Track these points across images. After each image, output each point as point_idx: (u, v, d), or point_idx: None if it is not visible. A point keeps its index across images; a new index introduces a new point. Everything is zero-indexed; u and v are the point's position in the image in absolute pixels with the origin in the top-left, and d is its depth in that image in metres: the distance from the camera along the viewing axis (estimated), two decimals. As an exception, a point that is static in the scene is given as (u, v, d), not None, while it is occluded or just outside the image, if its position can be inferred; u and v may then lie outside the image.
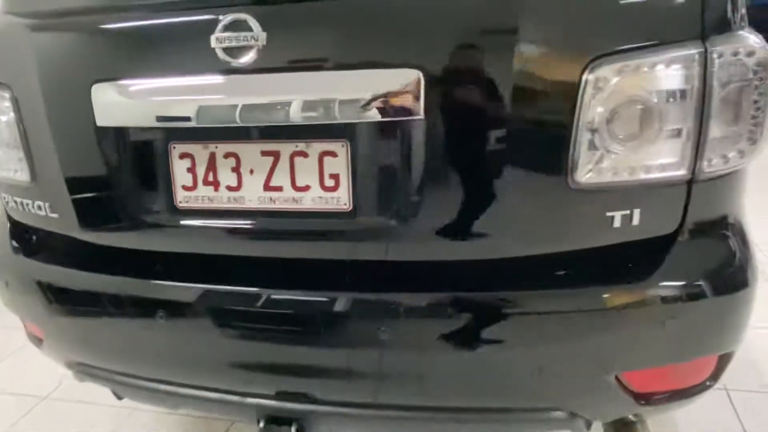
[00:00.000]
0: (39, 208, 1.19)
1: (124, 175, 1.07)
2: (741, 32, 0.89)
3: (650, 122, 0.87)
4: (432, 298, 0.96)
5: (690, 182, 0.92)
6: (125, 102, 1.01)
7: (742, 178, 1.01)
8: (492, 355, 0.97)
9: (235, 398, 1.11)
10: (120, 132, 1.04)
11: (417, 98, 0.88)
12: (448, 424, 1.06)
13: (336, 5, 0.92)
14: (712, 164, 0.91)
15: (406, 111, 0.88)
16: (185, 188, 1.04)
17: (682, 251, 0.95)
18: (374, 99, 0.88)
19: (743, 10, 0.94)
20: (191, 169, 1.02)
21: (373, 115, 0.89)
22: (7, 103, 1.13)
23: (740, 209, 1.05)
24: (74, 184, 1.11)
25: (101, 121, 1.03)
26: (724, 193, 0.98)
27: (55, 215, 1.17)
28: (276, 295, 1.02)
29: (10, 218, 1.30)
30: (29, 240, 1.28)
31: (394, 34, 0.89)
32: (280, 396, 1.08)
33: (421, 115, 0.88)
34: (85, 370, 1.26)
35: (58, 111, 1.07)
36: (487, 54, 0.88)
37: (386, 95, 0.88)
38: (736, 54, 0.87)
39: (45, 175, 1.14)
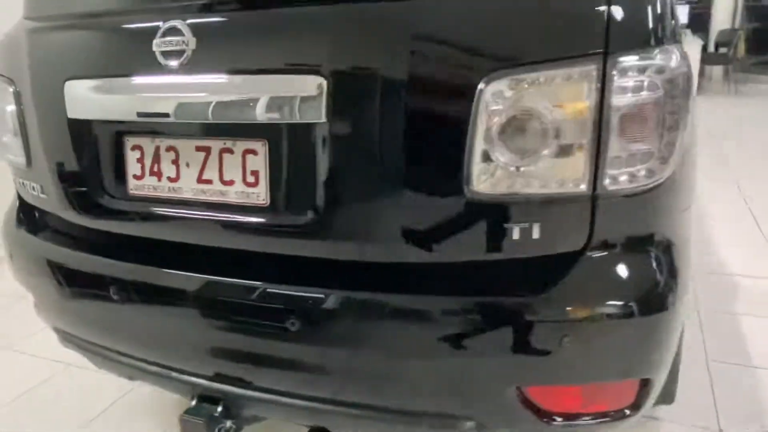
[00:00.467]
0: (34, 189, 1.35)
1: (90, 163, 1.20)
2: (651, 48, 0.87)
3: (546, 137, 0.87)
4: (332, 295, 1.00)
5: (594, 199, 0.91)
6: (88, 97, 1.13)
7: (671, 197, 0.98)
8: (386, 355, 0.99)
9: (174, 374, 1.20)
10: (86, 124, 1.16)
11: (320, 103, 0.93)
12: (361, 420, 1.09)
13: (255, 16, 0.99)
14: (617, 182, 0.89)
15: (311, 114, 0.94)
16: (135, 177, 1.15)
17: (587, 269, 0.93)
18: (283, 102, 0.95)
19: (667, 25, 0.92)
20: (140, 160, 1.13)
21: (282, 116, 0.96)
22: (11, 96, 1.29)
23: (673, 229, 1.01)
24: (54, 169, 1.25)
25: (71, 113, 1.16)
26: (644, 211, 0.95)
27: (44, 196, 1.32)
28: (205, 282, 1.10)
29: (19, 197, 1.48)
30: (32, 217, 1.44)
31: (302, 44, 0.95)
32: (210, 377, 1.15)
33: (324, 119, 0.94)
34: (63, 336, 1.41)
35: (42, 104, 1.22)
36: (387, 64, 0.91)
37: (293, 99, 0.94)
38: (642, 71, 0.86)
39: (36, 161, 1.29)
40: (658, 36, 0.89)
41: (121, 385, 1.90)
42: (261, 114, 0.97)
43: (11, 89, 1.29)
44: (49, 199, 1.31)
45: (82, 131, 1.18)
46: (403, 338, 0.98)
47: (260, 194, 1.03)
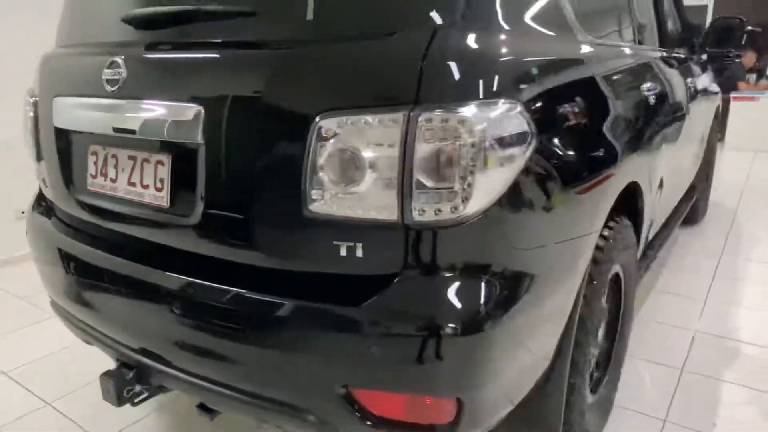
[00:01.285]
0: (42, 180, 1.69)
1: (66, 162, 1.50)
2: (457, 103, 0.99)
3: (363, 169, 1.02)
4: (204, 286, 1.20)
5: (405, 227, 1.03)
6: (64, 111, 1.44)
7: (496, 232, 1.07)
8: (239, 341, 1.17)
9: (107, 341, 1.45)
10: (64, 132, 1.47)
11: (196, 128, 1.15)
12: (228, 400, 1.26)
13: (161, 58, 1.26)
14: (424, 215, 1.02)
15: (191, 135, 1.16)
16: (92, 176, 1.43)
17: (402, 288, 1.05)
18: (171, 125, 1.17)
19: (482, 84, 1.03)
20: (95, 163, 1.41)
21: (175, 136, 1.18)
22: (31, 106, 1.64)
23: (509, 261, 1.10)
24: (48, 165, 1.57)
25: (55, 123, 1.47)
26: (460, 242, 1.05)
27: (44, 186, 1.65)
28: (125, 265, 1.35)
29: (40, 187, 1.83)
30: (41, 202, 1.78)
31: (185, 81, 1.19)
32: (125, 345, 1.39)
33: (201, 141, 1.15)
34: (52, 305, 1.72)
35: (43, 113, 1.55)
36: (245, 101, 1.12)
37: (178, 122, 1.17)
38: (445, 120, 0.99)
39: (42, 158, 1.63)
40: (466, 93, 1.01)
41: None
42: (162, 133, 1.20)
43: (32, 100, 1.64)
44: (47, 188, 1.64)
45: (61, 137, 1.49)
46: (250, 329, 1.15)
47: (164, 198, 1.26)
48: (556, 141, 1.19)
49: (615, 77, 1.56)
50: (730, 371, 2.22)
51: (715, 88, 3.60)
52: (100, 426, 1.96)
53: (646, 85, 1.85)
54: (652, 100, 1.89)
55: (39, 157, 1.66)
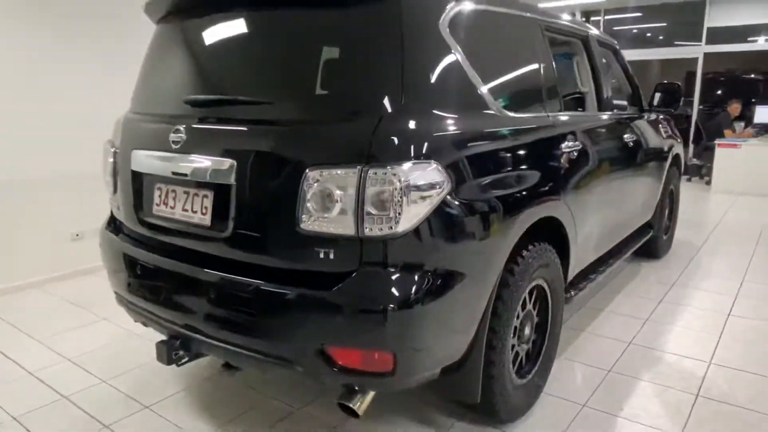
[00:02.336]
0: (115, 206, 2.34)
1: (138, 194, 2.15)
2: (393, 163, 1.60)
3: (333, 203, 1.63)
4: (232, 279, 1.81)
5: (360, 240, 1.64)
6: (140, 159, 2.09)
7: (420, 244, 1.66)
8: (253, 315, 1.77)
9: (159, 321, 2.06)
10: (138, 174, 2.12)
11: (230, 174, 1.78)
12: (244, 357, 1.86)
13: (207, 128, 1.91)
14: (372, 231, 1.62)
15: (226, 178, 1.80)
16: (156, 204, 2.07)
17: (358, 279, 1.65)
18: (213, 171, 1.81)
19: (411, 151, 1.64)
20: (160, 196, 2.05)
21: (214, 178, 1.82)
22: (111, 154, 2.31)
23: (432, 262, 1.69)
24: (123, 196, 2.22)
25: (133, 167, 2.13)
26: (394, 250, 1.64)
27: (118, 210, 2.30)
28: (179, 266, 1.97)
29: (111, 211, 2.49)
30: (113, 222, 2.43)
31: (221, 144, 1.83)
32: (173, 322, 2.00)
33: (233, 182, 1.79)
34: (116, 296, 2.34)
35: (123, 160, 2.21)
36: (262, 158, 1.76)
37: (218, 170, 1.81)
38: (385, 173, 1.60)
39: (118, 190, 2.28)
40: (398, 156, 1.62)
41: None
42: (209, 176, 1.84)
43: (112, 150, 2.31)
44: (120, 213, 2.29)
45: (136, 177, 2.14)
46: (263, 305, 1.76)
47: (207, 219, 1.89)
48: (465, 186, 1.79)
49: (523, 141, 2.16)
50: (649, 373, 2.74)
51: (667, 141, 4.17)
52: (144, 397, 2.55)
53: (565, 144, 2.46)
54: (572, 156, 2.49)
55: (115, 190, 2.31)
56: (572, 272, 2.74)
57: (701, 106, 9.65)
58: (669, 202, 4.61)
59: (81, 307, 3.68)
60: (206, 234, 1.90)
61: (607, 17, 10.15)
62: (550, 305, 2.47)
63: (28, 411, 2.46)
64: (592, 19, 10.32)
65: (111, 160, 2.31)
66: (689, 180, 8.90)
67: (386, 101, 1.68)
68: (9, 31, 3.76)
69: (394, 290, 1.64)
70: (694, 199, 7.40)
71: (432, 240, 1.70)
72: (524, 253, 2.15)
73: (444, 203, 1.71)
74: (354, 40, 1.77)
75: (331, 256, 1.68)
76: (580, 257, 2.78)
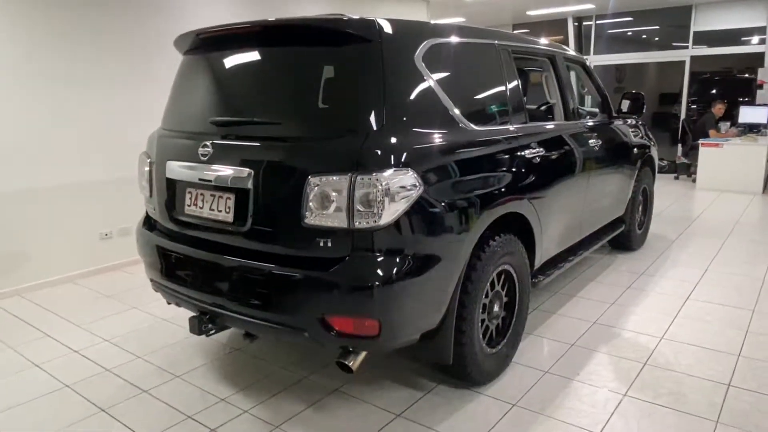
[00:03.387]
0: (151, 207, 2.82)
1: (171, 197, 2.62)
2: (377, 171, 2.06)
3: (330, 202, 2.09)
4: (251, 265, 2.27)
5: (351, 231, 2.10)
6: (173, 169, 2.56)
7: (401, 233, 2.12)
8: (270, 292, 2.23)
9: (191, 300, 2.53)
10: (172, 181, 2.59)
11: (248, 180, 2.25)
12: (261, 327, 2.32)
13: (229, 144, 2.37)
14: (361, 224, 2.08)
15: (245, 184, 2.26)
16: (187, 206, 2.54)
17: (350, 262, 2.11)
18: (235, 178, 2.28)
19: (393, 158, 2.10)
20: (190, 198, 2.52)
21: (235, 184, 2.28)
22: (147, 166, 2.78)
23: (412, 248, 2.14)
24: (159, 199, 2.69)
25: (167, 175, 2.60)
26: (379, 238, 2.10)
27: (154, 211, 2.78)
28: (206, 256, 2.43)
29: (146, 212, 2.96)
30: (148, 221, 2.90)
31: (240, 157, 2.30)
32: (202, 300, 2.47)
33: (250, 186, 2.25)
34: (152, 283, 2.81)
35: (158, 169, 2.68)
36: (274, 167, 2.22)
37: (238, 177, 2.27)
38: (370, 179, 2.06)
39: (153, 194, 2.76)
40: (381, 165, 2.07)
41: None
42: (230, 182, 2.30)
43: (148, 160, 2.78)
44: (156, 212, 2.76)
45: (170, 184, 2.61)
46: (276, 284, 2.22)
47: (230, 217, 2.35)
48: (436, 187, 2.25)
49: (487, 150, 2.62)
50: (606, 346, 3.19)
51: (638, 144, 4.61)
52: (175, 368, 3.02)
53: (528, 151, 2.91)
54: (534, 161, 2.94)
55: (151, 194, 2.78)
56: (539, 260, 3.18)
57: (694, 106, 10.04)
58: (643, 199, 5.03)
59: (112, 298, 4.16)
60: (229, 229, 2.36)
61: (598, 22, 10.56)
62: (516, 287, 2.92)
63: (78, 380, 2.93)
64: (585, 23, 10.74)
65: (147, 169, 2.78)
66: (677, 178, 9.29)
67: (371, 121, 2.14)
68: (50, 52, 4.26)
69: (378, 270, 2.10)
70: (678, 197, 7.80)
71: (409, 230, 2.16)
72: (491, 242, 2.60)
73: (418, 202, 2.16)
74: (345, 71, 2.23)
75: (329, 244, 2.13)
76: (546, 248, 3.23)
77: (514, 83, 2.98)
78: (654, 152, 5.05)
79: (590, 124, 3.91)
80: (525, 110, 3.06)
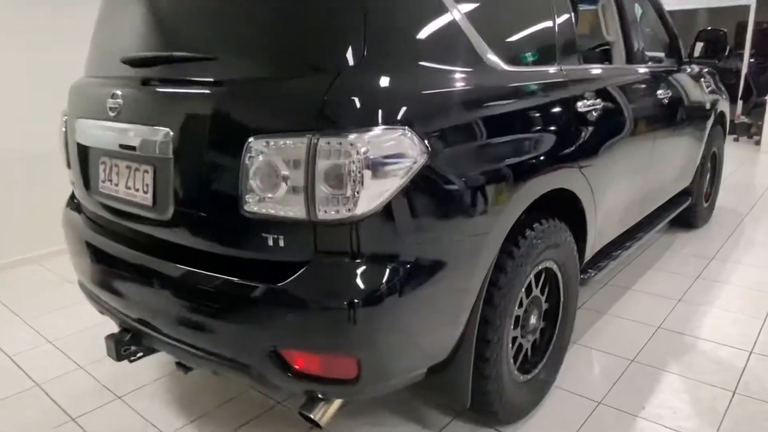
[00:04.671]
0: (72, 183, 2.11)
1: (85, 168, 1.90)
2: (347, 131, 1.30)
3: (279, 179, 1.35)
4: (176, 269, 1.56)
5: (314, 225, 1.36)
6: (83, 129, 1.84)
7: (385, 229, 1.37)
8: (197, 307, 1.52)
9: (112, 311, 1.84)
10: (83, 146, 1.87)
11: (168, 146, 1.51)
12: (195, 358, 1.62)
13: (142, 91, 1.63)
14: (327, 214, 1.33)
15: (164, 151, 1.52)
16: (102, 181, 1.82)
17: (312, 272, 1.38)
18: (150, 142, 1.54)
19: (378, 111, 1.34)
20: (105, 171, 1.80)
21: (151, 151, 1.55)
22: (63, 124, 2.06)
23: (404, 250, 1.40)
24: (74, 172, 1.98)
25: (78, 138, 1.88)
26: (358, 235, 1.36)
27: (73, 186, 2.07)
28: (125, 250, 1.73)
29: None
30: (73, 198, 2.21)
31: (157, 111, 1.55)
32: (123, 313, 1.78)
33: (170, 155, 1.51)
34: (79, 284, 2.13)
35: (70, 131, 1.96)
36: (201, 126, 1.47)
37: (154, 141, 1.53)
38: (340, 143, 1.30)
39: (70, 164, 2.05)
40: (358, 122, 1.32)
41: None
42: (143, 148, 1.57)
43: (64, 119, 2.06)
44: (76, 189, 2.06)
45: (82, 150, 1.89)
46: (206, 299, 1.50)
47: (149, 199, 1.63)
48: (447, 156, 1.48)
49: (525, 100, 1.82)
50: (677, 364, 2.41)
51: (710, 97, 3.70)
52: (119, 385, 2.37)
53: (582, 103, 2.09)
54: (590, 116, 2.13)
55: (68, 165, 2.08)
56: (591, 250, 2.40)
57: (752, 60, 8.87)
58: (711, 165, 4.15)
59: (73, 284, 3.52)
60: (149, 215, 1.65)
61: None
62: (561, 289, 2.15)
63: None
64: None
65: (64, 130, 2.07)
66: (736, 140, 8.25)
67: (345, 53, 1.37)
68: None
69: (356, 283, 1.36)
70: (741, 161, 6.82)
71: (402, 223, 1.41)
72: (528, 232, 1.83)
73: (418, 179, 1.40)
74: None
75: (281, 243, 1.40)
76: (601, 233, 2.44)
77: (566, 9, 2.14)
78: (726, 107, 4.13)
79: (658, 70, 3.04)
80: (578, 48, 2.23)
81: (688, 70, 3.48)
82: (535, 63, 1.99)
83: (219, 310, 1.50)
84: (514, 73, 1.82)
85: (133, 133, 1.62)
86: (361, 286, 1.36)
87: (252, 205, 1.40)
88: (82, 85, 1.97)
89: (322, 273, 1.38)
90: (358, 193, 1.31)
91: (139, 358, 1.84)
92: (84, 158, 1.90)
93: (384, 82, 1.39)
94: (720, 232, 4.12)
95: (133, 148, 1.62)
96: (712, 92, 3.81)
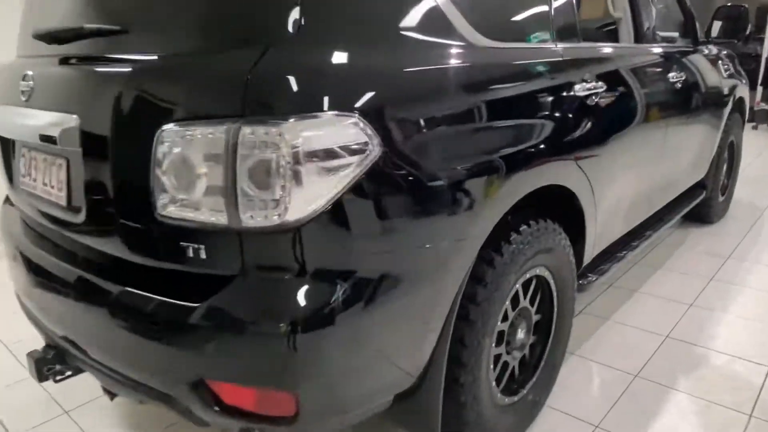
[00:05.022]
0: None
1: (9, 163, 1.67)
2: (279, 116, 1.05)
3: (195, 177, 1.10)
4: (87, 279, 1.33)
5: (239, 232, 1.11)
6: (1, 117, 1.59)
7: (330, 236, 1.12)
8: (111, 325, 1.28)
9: (37, 321, 1.61)
10: (3, 137, 1.63)
11: (76, 135, 1.27)
12: (117, 384, 1.38)
13: (52, 72, 1.39)
14: (253, 220, 1.09)
15: (72, 141, 1.28)
16: (21, 175, 1.58)
17: (238, 288, 1.13)
18: (58, 131, 1.29)
19: (315, 95, 1.09)
20: (25, 165, 1.57)
21: (62, 142, 1.30)
22: None
23: (352, 264, 1.16)
24: (1, 164, 1.75)
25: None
26: (298, 246, 1.11)
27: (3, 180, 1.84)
28: (44, 255, 1.49)
29: None
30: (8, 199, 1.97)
31: (65, 94, 1.31)
32: (46, 328, 1.55)
33: (79, 148, 1.27)
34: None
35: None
36: (109, 113, 1.22)
37: (62, 129, 1.28)
38: (266, 133, 1.05)
39: None
40: (290, 107, 1.06)
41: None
42: (55, 140, 1.32)
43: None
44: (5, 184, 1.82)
45: (3, 140, 1.66)
46: (120, 316, 1.26)
47: (62, 197, 1.39)
48: (412, 151, 1.22)
49: (510, 81, 1.55)
50: (687, 380, 2.15)
51: (728, 82, 3.39)
52: (69, 398, 2.16)
53: (580, 86, 1.82)
54: (590, 101, 1.85)
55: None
56: (591, 253, 2.14)
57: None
58: (728, 156, 3.85)
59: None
60: (64, 217, 1.41)
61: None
62: (555, 299, 1.90)
63: (-65, 414, 2.11)
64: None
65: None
66: (755, 128, 7.89)
67: (275, 21, 1.12)
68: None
69: (288, 305, 1.12)
70: (760, 150, 6.47)
71: (352, 230, 1.16)
72: (513, 236, 1.58)
73: (372, 176, 1.15)
74: None
75: (203, 254, 1.16)
76: (603, 233, 2.17)
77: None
78: (745, 92, 3.81)
79: (670, 50, 2.74)
80: (577, 24, 1.95)
81: (705, 51, 3.18)
82: (525, 39, 1.71)
83: (137, 331, 1.26)
84: (498, 50, 1.55)
85: (44, 121, 1.37)
86: (299, 307, 1.12)
87: (166, 207, 1.15)
88: (5, 67, 1.73)
89: (249, 291, 1.14)
90: (290, 194, 1.06)
91: (67, 377, 1.61)
92: (6, 149, 1.67)
93: (326, 57, 1.14)
94: (737, 228, 3.82)
95: (46, 138, 1.38)
96: (730, 76, 3.49)
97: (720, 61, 3.36)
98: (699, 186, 3.44)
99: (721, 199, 3.88)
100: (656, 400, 2.04)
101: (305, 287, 1.13)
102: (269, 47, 1.09)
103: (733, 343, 2.40)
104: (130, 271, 1.28)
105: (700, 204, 3.51)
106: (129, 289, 1.26)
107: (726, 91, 3.38)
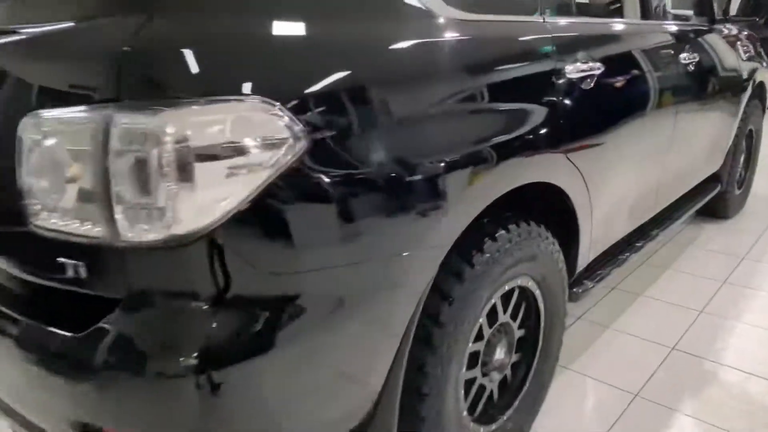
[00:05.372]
0: None
1: None
2: (164, 102, 0.82)
3: (63, 179, 0.88)
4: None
5: (121, 248, 0.88)
6: None
7: (235, 252, 0.90)
8: None
9: None
10: None
11: None
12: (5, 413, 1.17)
13: None
14: (134, 233, 0.86)
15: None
16: None
17: (122, 318, 0.91)
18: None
19: (216, 75, 0.86)
20: None
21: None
22: None
23: (254, 285, 0.93)
24: None
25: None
26: (194, 265, 0.88)
27: None
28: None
29: None
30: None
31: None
32: None
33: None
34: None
35: None
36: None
37: None
38: (145, 124, 0.82)
39: None
40: (180, 91, 0.83)
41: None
42: None
43: None
44: None
45: None
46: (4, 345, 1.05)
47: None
48: (345, 143, 0.98)
49: (488, 61, 1.30)
50: (693, 400, 1.91)
51: (746, 65, 3.10)
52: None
53: (573, 67, 1.56)
54: (584, 85, 1.60)
55: None
56: (587, 257, 1.89)
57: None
58: (746, 146, 3.55)
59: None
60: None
61: None
62: (542, 311, 1.66)
63: None
64: None
65: None
66: (775, 115, 7.49)
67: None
68: None
69: (185, 339, 0.90)
70: (780, 139, 6.12)
71: (262, 245, 0.93)
72: (487, 243, 1.34)
73: (289, 177, 0.91)
74: None
75: (83, 273, 0.93)
76: (601, 235, 1.92)
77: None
78: (766, 76, 3.51)
79: (682, 29, 2.46)
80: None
81: (722, 31, 2.88)
82: (506, 11, 1.46)
83: (17, 361, 1.04)
84: (470, 23, 1.30)
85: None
86: (199, 342, 0.89)
87: (37, 216, 0.93)
88: None
89: (135, 319, 0.91)
90: (178, 201, 0.83)
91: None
92: None
93: (228, 28, 0.90)
94: (754, 225, 3.54)
95: None
96: (750, 59, 3.19)
97: (739, 42, 3.07)
98: (713, 178, 3.16)
99: (737, 192, 3.59)
100: (658, 423, 1.80)
101: (208, 315, 0.90)
102: (153, 15, 0.86)
103: (747, 357, 2.15)
104: (20, 290, 1.07)
105: (715, 198, 3.23)
106: (5, 310, 1.04)
107: (745, 75, 3.08)
